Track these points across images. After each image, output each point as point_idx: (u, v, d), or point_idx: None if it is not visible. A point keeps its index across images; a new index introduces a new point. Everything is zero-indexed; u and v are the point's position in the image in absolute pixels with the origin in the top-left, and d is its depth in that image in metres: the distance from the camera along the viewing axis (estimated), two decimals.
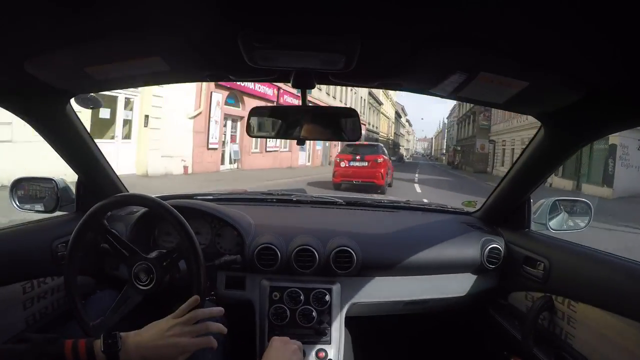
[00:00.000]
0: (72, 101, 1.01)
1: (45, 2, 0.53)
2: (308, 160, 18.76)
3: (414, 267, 1.20)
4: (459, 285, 1.24)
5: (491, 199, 1.36)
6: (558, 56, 0.63)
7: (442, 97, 0.98)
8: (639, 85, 0.65)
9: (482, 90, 0.84)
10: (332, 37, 0.65)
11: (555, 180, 14.71)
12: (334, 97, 21.22)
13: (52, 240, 1.05)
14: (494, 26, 0.57)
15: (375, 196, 1.82)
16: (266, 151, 14.28)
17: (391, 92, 41.32)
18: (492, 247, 1.23)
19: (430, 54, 0.70)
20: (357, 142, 9.17)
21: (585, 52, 0.60)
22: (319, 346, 1.08)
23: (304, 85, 0.88)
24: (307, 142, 1.14)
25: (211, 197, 1.43)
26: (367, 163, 9.20)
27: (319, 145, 19.83)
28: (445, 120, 76.19)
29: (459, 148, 40.99)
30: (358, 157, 9.22)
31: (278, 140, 11.68)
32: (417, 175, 18.33)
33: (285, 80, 0.92)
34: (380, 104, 37.11)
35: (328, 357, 1.07)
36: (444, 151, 70.97)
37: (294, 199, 1.51)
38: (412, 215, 1.50)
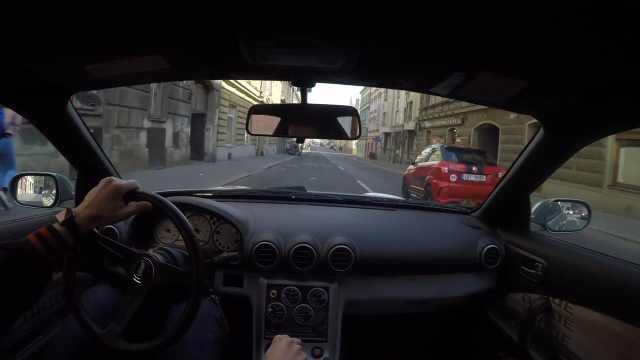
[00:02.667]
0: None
1: (46, 0, 0.53)
2: None
3: (411, 266, 1.21)
4: (456, 285, 1.24)
5: (490, 198, 1.36)
6: (557, 56, 0.63)
7: (442, 96, 0.98)
8: (638, 86, 0.65)
9: (481, 90, 0.84)
10: (332, 36, 0.65)
11: None
12: None
13: None
14: (493, 26, 0.57)
15: (375, 194, 1.81)
16: None
17: None
18: (491, 247, 1.23)
19: (429, 53, 0.70)
20: (462, 146, 6.59)
21: (585, 52, 0.60)
22: (315, 344, 1.08)
23: (304, 83, 0.88)
24: None
25: (210, 194, 1.44)
26: (484, 177, 6.37)
27: None
28: (359, 96, 51.94)
29: (422, 126, 20.35)
30: (474, 169, 6.41)
31: None
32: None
33: (285, 78, 0.92)
34: None
35: (324, 355, 1.07)
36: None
37: (293, 197, 1.51)
38: (411, 214, 1.50)
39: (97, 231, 0.80)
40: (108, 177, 0.76)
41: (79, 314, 0.77)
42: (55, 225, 0.69)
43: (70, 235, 0.69)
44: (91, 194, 0.75)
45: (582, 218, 1.30)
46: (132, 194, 0.77)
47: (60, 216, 0.70)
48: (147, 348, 0.76)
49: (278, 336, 0.78)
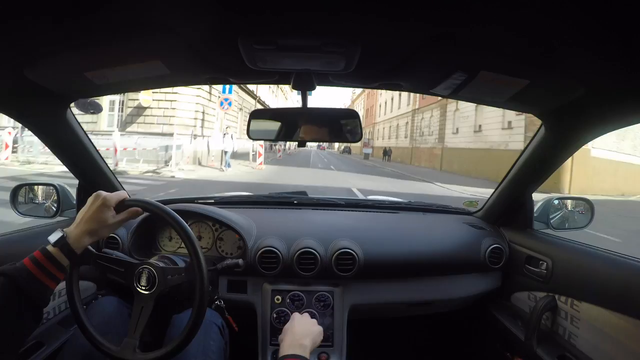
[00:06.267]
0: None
1: (45, 8, 0.53)
2: None
3: (416, 268, 1.20)
4: (461, 286, 1.23)
5: (492, 198, 1.36)
6: (558, 55, 0.63)
7: (443, 96, 0.98)
8: (638, 82, 0.65)
9: (482, 89, 0.84)
10: (332, 39, 0.65)
11: None
12: None
13: None
14: (493, 26, 0.57)
15: (377, 197, 1.81)
16: None
17: None
18: (494, 247, 1.22)
19: (430, 54, 0.70)
20: None
21: (585, 50, 0.60)
22: (321, 349, 1.07)
23: (305, 86, 0.88)
24: None
25: (212, 201, 1.43)
26: None
27: None
28: None
29: None
30: None
31: None
32: None
33: (285, 82, 0.92)
34: None
35: None
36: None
37: (295, 202, 1.50)
38: (414, 216, 1.49)
39: (93, 250, 0.80)
40: (96, 192, 0.77)
41: (89, 333, 0.77)
42: (49, 247, 0.70)
43: (64, 256, 0.70)
44: (82, 212, 0.76)
45: (585, 215, 1.30)
46: (122, 203, 0.78)
47: (54, 237, 0.71)
48: (155, 357, 0.75)
49: (296, 313, 0.94)
